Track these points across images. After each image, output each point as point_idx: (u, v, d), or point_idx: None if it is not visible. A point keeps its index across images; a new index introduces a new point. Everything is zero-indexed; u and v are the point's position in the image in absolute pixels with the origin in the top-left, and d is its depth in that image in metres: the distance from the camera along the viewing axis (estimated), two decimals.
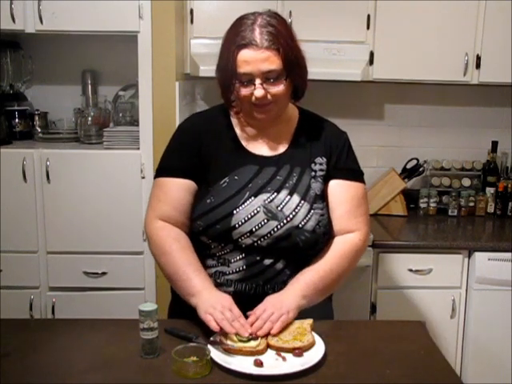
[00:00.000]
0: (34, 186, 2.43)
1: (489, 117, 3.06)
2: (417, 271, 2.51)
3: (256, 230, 1.47)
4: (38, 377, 1.24)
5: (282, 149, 1.56)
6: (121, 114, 2.73)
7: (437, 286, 2.53)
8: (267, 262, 1.49)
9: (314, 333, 1.39)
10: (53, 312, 2.50)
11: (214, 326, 1.33)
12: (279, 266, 1.50)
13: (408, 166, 3.01)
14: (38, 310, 2.50)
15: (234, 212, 1.47)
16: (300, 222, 1.48)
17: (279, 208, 1.48)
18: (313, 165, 1.55)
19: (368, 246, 2.45)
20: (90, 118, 2.66)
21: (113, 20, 2.35)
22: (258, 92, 1.42)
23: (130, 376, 1.25)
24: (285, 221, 1.47)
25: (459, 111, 3.07)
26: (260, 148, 1.56)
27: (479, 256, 2.49)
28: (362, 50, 2.63)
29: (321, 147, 1.57)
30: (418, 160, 3.01)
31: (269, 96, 1.44)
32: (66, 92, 2.82)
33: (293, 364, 1.27)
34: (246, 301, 1.43)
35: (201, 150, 1.54)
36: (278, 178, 1.52)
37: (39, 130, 2.71)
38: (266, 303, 1.42)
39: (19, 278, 2.46)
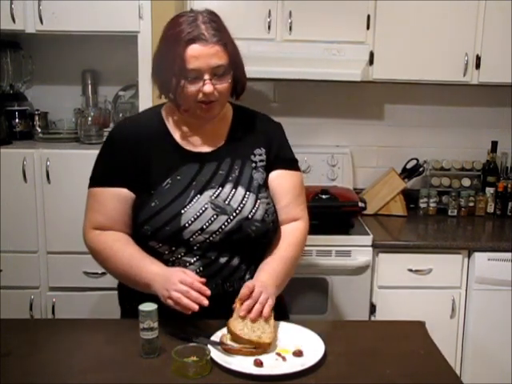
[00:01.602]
0: (34, 186, 2.43)
1: (489, 117, 3.06)
2: (417, 271, 2.51)
3: (207, 226, 1.46)
4: (38, 377, 1.24)
5: (219, 144, 1.57)
6: (121, 114, 2.73)
7: (437, 285, 2.53)
8: (222, 260, 1.49)
9: (313, 332, 1.40)
10: (53, 312, 2.50)
11: (181, 309, 1.32)
12: (235, 262, 1.50)
13: (408, 166, 3.01)
14: (38, 310, 2.50)
15: (182, 211, 1.46)
16: (249, 213, 1.49)
17: (226, 202, 1.49)
18: (252, 156, 1.57)
19: (368, 245, 2.48)
20: (90, 118, 2.65)
21: (113, 20, 2.35)
22: (208, 87, 1.41)
23: (130, 376, 1.25)
24: (234, 214, 1.48)
25: (459, 111, 3.07)
26: (198, 145, 1.55)
27: (479, 256, 2.49)
28: (362, 50, 2.63)
29: (258, 138, 1.59)
30: (417, 160, 3.01)
31: (215, 92, 1.44)
32: (66, 92, 2.82)
33: (293, 364, 1.28)
34: (209, 302, 1.34)
35: (134, 157, 1.51)
36: (221, 172, 1.52)
37: (39, 130, 2.71)
38: (253, 281, 1.43)
39: (19, 278, 2.46)
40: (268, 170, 1.58)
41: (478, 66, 2.66)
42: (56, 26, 2.36)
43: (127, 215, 1.52)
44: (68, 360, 1.32)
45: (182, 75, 1.41)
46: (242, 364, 1.26)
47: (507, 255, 2.48)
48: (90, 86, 2.78)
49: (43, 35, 2.42)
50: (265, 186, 1.56)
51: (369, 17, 2.62)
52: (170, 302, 1.34)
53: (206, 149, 1.56)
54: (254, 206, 1.50)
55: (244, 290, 1.38)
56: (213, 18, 1.44)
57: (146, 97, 2.42)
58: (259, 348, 1.31)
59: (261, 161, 1.57)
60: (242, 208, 1.49)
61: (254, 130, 1.60)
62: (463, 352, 2.59)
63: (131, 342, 1.35)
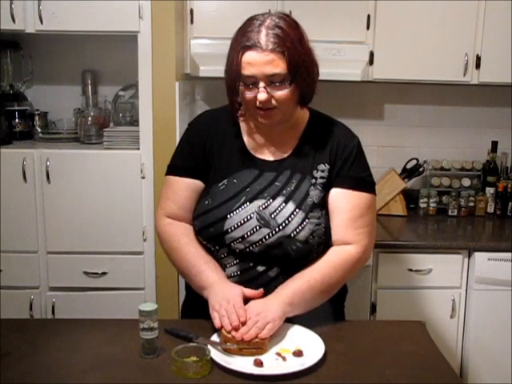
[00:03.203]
0: (33, 186, 2.43)
1: (489, 117, 3.06)
2: (417, 271, 2.51)
3: (248, 236, 1.46)
4: (38, 377, 1.24)
5: (285, 154, 1.53)
6: (121, 114, 2.73)
7: (437, 285, 2.53)
8: (260, 268, 1.49)
9: (313, 332, 1.40)
10: (53, 312, 2.50)
11: (217, 323, 1.36)
12: (272, 273, 1.49)
13: (408, 166, 3.01)
14: (38, 310, 2.50)
15: (228, 216, 1.47)
16: (292, 232, 1.44)
17: (272, 215, 1.46)
18: (315, 172, 1.51)
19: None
20: (90, 118, 2.66)
21: (113, 20, 2.35)
22: (261, 96, 1.38)
23: (130, 376, 1.25)
24: (277, 229, 1.45)
25: (459, 111, 3.07)
26: (263, 152, 1.54)
27: (479, 256, 2.49)
28: (362, 50, 2.63)
29: (326, 154, 1.52)
30: (417, 160, 3.01)
31: (273, 100, 1.40)
32: (66, 92, 2.82)
33: (293, 364, 1.28)
34: None
35: (206, 150, 1.55)
36: (277, 183, 1.49)
37: (39, 130, 2.71)
38: (249, 311, 1.37)
39: (19, 278, 2.46)
40: (329, 186, 1.51)
41: (478, 66, 2.66)
42: (56, 26, 2.36)
43: None
44: (68, 360, 1.32)
45: (240, 80, 1.40)
46: (242, 364, 1.26)
47: (507, 255, 2.48)
48: (89, 86, 2.78)
49: (43, 35, 2.42)
50: (320, 204, 1.49)
51: (369, 17, 2.62)
52: (214, 313, 1.38)
53: (270, 157, 1.53)
54: (300, 224, 1.45)
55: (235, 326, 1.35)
56: (278, 24, 1.38)
57: (146, 97, 2.42)
58: (257, 348, 1.31)
59: (321, 177, 1.50)
60: (286, 225, 1.44)
61: (325, 144, 1.52)
62: (463, 352, 2.59)
63: (131, 342, 1.35)
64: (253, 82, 1.39)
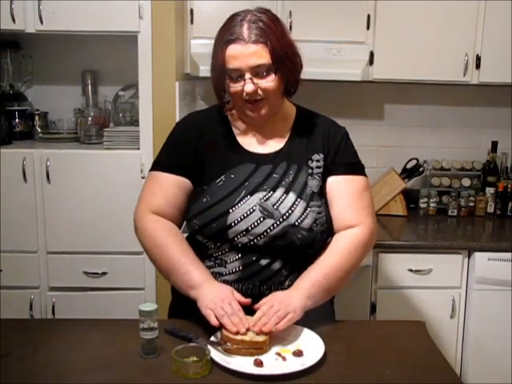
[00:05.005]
0: (34, 186, 2.43)
1: (489, 117, 3.06)
2: (417, 271, 2.51)
3: (252, 228, 1.46)
4: (38, 377, 1.24)
5: (278, 146, 1.56)
6: (121, 114, 2.74)
7: (437, 286, 2.53)
8: (263, 262, 1.48)
9: (313, 332, 1.40)
10: (53, 312, 2.50)
11: (213, 321, 1.34)
12: (276, 266, 1.49)
13: (408, 166, 3.01)
14: (38, 310, 2.50)
15: (230, 211, 1.46)
16: (296, 220, 1.46)
17: (275, 206, 1.47)
18: (310, 162, 1.54)
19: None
20: (90, 118, 2.66)
21: (113, 20, 2.35)
22: (248, 87, 1.41)
23: (130, 376, 1.25)
24: (281, 219, 1.46)
25: (459, 111, 3.07)
26: (256, 146, 1.56)
27: (479, 256, 2.49)
28: (362, 50, 2.63)
29: (318, 144, 1.56)
30: (417, 160, 3.01)
31: (259, 91, 1.43)
32: (66, 92, 2.82)
33: (293, 364, 1.27)
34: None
35: (197, 149, 1.54)
36: (275, 175, 1.51)
37: (39, 130, 2.71)
38: (272, 299, 1.40)
39: (19, 277, 2.46)
40: (325, 176, 1.54)
41: (478, 66, 2.66)
42: (56, 26, 2.36)
43: (185, 204, 1.54)
44: (68, 360, 1.32)
45: (226, 74, 1.43)
46: (242, 364, 1.26)
47: (507, 255, 2.48)
48: (90, 86, 2.78)
49: (43, 35, 2.42)
50: (320, 193, 1.52)
51: (369, 17, 2.62)
52: (209, 311, 1.36)
53: (264, 150, 1.55)
54: (303, 213, 1.47)
55: (258, 315, 1.36)
56: (260, 18, 1.42)
57: (146, 97, 2.42)
58: (257, 348, 1.32)
59: (317, 167, 1.53)
60: (289, 214, 1.46)
61: (315, 135, 1.57)
62: (463, 352, 2.59)
63: (131, 342, 1.35)
64: (239, 75, 1.42)
